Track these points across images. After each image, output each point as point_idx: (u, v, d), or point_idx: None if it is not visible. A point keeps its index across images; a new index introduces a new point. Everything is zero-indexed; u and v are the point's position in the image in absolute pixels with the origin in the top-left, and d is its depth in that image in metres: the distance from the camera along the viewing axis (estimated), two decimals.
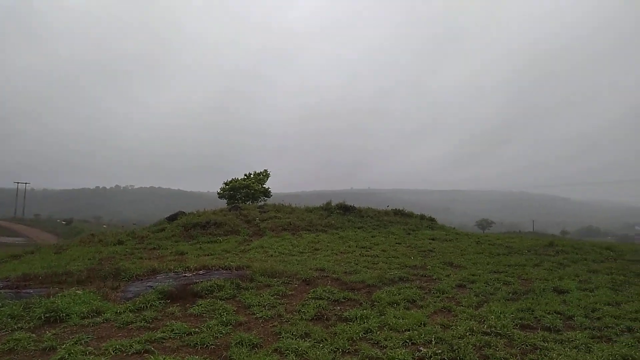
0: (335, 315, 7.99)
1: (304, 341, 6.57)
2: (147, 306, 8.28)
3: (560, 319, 7.58)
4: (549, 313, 7.86)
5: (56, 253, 16.51)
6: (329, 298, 9.05)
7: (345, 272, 11.45)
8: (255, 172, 35.47)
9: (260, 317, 7.85)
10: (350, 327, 7.12)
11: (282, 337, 6.76)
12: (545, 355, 5.87)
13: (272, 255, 14.23)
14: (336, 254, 14.63)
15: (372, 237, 19.03)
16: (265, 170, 35.73)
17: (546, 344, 6.31)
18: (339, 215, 23.78)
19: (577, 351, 6.04)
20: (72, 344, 6.34)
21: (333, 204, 25.73)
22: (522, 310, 8.03)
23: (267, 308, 8.38)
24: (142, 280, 10.39)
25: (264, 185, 34.65)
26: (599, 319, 7.56)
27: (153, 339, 6.60)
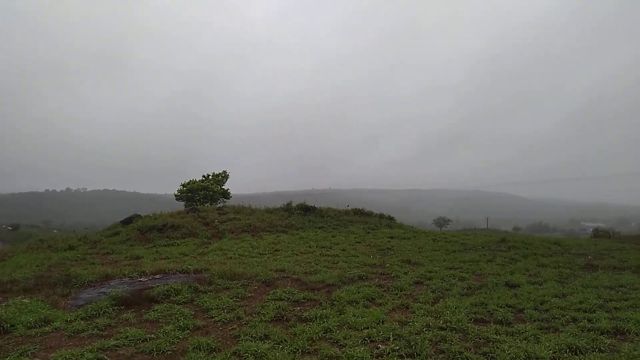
0: (295, 315, 7.98)
1: (264, 343, 6.52)
2: (99, 313, 7.99)
3: (511, 312, 7.89)
4: (501, 307, 8.16)
5: (0, 260, 15.62)
6: (289, 299, 9.03)
7: (306, 273, 11.46)
8: (214, 173, 34.87)
9: (218, 321, 7.72)
10: (310, 327, 7.13)
11: (241, 340, 6.68)
12: (497, 348, 6.08)
13: (231, 258, 14.05)
14: (297, 255, 14.62)
15: (333, 236, 19.15)
16: (224, 172, 35.20)
17: (498, 337, 6.54)
18: (300, 216, 23.77)
19: (527, 342, 6.29)
20: (17, 356, 6.03)
21: (294, 204, 25.68)
22: (476, 305, 8.30)
23: (225, 311, 8.27)
24: (94, 286, 10.00)
25: (223, 187, 34.11)
26: (547, 310, 7.91)
27: (106, 347, 6.37)
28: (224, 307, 8.49)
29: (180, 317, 7.78)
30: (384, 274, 11.57)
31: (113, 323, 7.57)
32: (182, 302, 8.79)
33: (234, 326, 7.44)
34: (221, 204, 30.51)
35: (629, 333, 6.55)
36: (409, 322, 7.37)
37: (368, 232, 21.00)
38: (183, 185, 33.37)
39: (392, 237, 19.37)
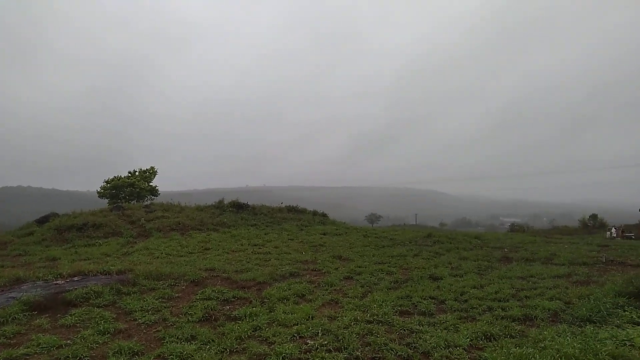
0: (224, 315, 7.84)
1: (190, 344, 6.33)
2: (8, 320, 7.34)
3: (434, 304, 8.28)
4: (424, 299, 8.54)
5: None
6: (218, 298, 8.86)
7: (237, 271, 11.30)
8: (141, 169, 33.32)
9: (142, 323, 7.39)
10: (239, 326, 7.03)
11: (166, 342, 6.44)
12: (420, 338, 6.35)
13: (158, 257, 13.53)
14: (228, 253, 14.38)
15: (266, 234, 19.05)
16: (152, 168, 33.76)
17: (421, 328, 6.85)
18: (232, 213, 23.39)
19: (447, 332, 6.64)
20: None
21: (226, 202, 25.22)
22: (401, 298, 8.63)
23: (150, 313, 7.93)
24: (3, 291, 9.19)
25: (151, 184, 32.73)
26: (466, 301, 8.40)
27: (14, 356, 5.87)
28: (149, 308, 8.15)
29: (100, 320, 7.36)
30: (315, 270, 11.69)
31: (23, 330, 6.99)
32: (103, 305, 8.32)
33: (159, 328, 7.16)
34: (149, 202, 29.28)
35: (537, 319, 7.12)
36: (338, 316, 7.50)
37: (301, 229, 21.10)
38: (107, 182, 31.61)
39: (324, 234, 19.62)
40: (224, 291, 9.26)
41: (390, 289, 9.58)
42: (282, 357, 5.74)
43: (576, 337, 5.88)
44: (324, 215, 26.79)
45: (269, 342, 6.40)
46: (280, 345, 6.16)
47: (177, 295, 9.17)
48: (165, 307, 8.28)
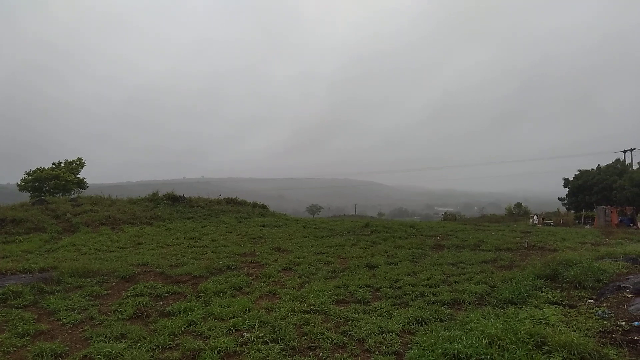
0: (157, 311, 7.60)
1: (119, 343, 6.07)
2: None
3: (369, 292, 8.49)
4: (360, 287, 8.72)
5: None
6: (151, 294, 8.56)
7: (171, 265, 10.95)
8: (67, 160, 31.28)
9: (67, 323, 6.99)
10: (172, 322, 6.83)
11: (93, 342, 6.13)
12: (355, 325, 6.50)
13: (86, 253, 12.79)
14: (162, 247, 13.88)
15: (203, 227, 18.60)
16: (80, 159, 31.79)
17: (357, 315, 7.00)
18: (167, 206, 22.60)
19: (381, 318, 6.83)
20: None
21: (161, 194, 24.31)
22: (339, 287, 8.76)
23: (76, 312, 7.52)
24: None
25: (78, 176, 30.83)
26: (400, 288, 8.67)
27: None
28: (75, 307, 7.72)
29: (19, 322, 6.86)
30: (253, 262, 11.58)
31: None
32: (23, 305, 7.77)
33: (86, 327, 6.81)
34: (75, 195, 27.59)
35: (464, 303, 7.50)
36: (276, 308, 7.49)
37: (240, 222, 20.82)
38: (28, 174, 29.40)
39: (264, 226, 19.49)
40: (157, 286, 8.96)
41: (328, 278, 9.70)
42: (217, 351, 5.65)
43: (499, 318, 6.25)
44: (263, 207, 26.59)
45: (204, 337, 6.28)
46: (215, 339, 6.05)
47: (106, 292, 8.75)
48: (92, 306, 7.89)
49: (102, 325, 6.87)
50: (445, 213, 72.54)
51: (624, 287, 7.47)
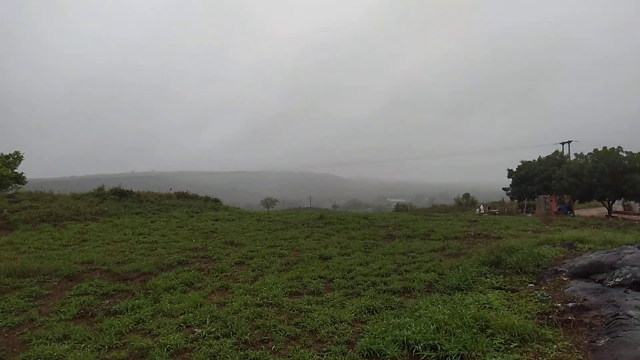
0: (103, 310, 7.30)
1: (62, 344, 5.79)
2: None
3: (322, 283, 8.55)
4: (314, 279, 8.76)
5: None
6: (96, 292, 8.23)
7: (118, 263, 10.56)
8: (2, 154, 29.34)
9: (3, 326, 6.58)
10: (119, 321, 6.59)
11: (33, 345, 5.80)
12: (308, 317, 6.52)
13: (25, 252, 12.08)
14: (108, 244, 13.33)
15: (152, 222, 18.05)
16: (17, 152, 29.87)
17: (310, 307, 7.02)
18: (114, 202, 21.75)
19: (334, 309, 6.90)
20: None
21: (107, 189, 23.36)
22: (292, 279, 8.76)
23: (14, 314, 7.10)
24: None
25: (16, 170, 29.02)
26: (352, 278, 8.79)
27: None
28: (12, 309, 7.28)
29: None
30: (205, 257, 11.37)
31: None
32: None
33: (25, 330, 6.44)
34: (13, 191, 25.97)
35: (414, 290, 7.71)
36: (228, 302, 7.39)
37: (192, 216, 20.38)
38: None
39: (216, 220, 19.17)
40: (103, 285, 8.61)
41: (281, 271, 9.68)
42: (167, 349, 5.50)
43: (446, 304, 6.48)
44: (216, 201, 26.16)
45: (153, 335, 6.10)
46: (165, 336, 5.89)
47: (47, 292, 8.32)
48: (32, 307, 7.47)
49: (43, 327, 6.52)
50: (397, 204, 74.21)
51: (560, 271, 7.93)
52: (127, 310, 7.14)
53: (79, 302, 7.53)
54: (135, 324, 6.50)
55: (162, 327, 6.31)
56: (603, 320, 5.51)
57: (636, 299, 5.98)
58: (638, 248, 8.59)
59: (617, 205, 40.27)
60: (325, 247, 12.20)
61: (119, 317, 6.80)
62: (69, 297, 7.94)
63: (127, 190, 23.34)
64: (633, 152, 33.55)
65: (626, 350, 4.44)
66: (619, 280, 6.71)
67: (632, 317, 5.26)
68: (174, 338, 5.78)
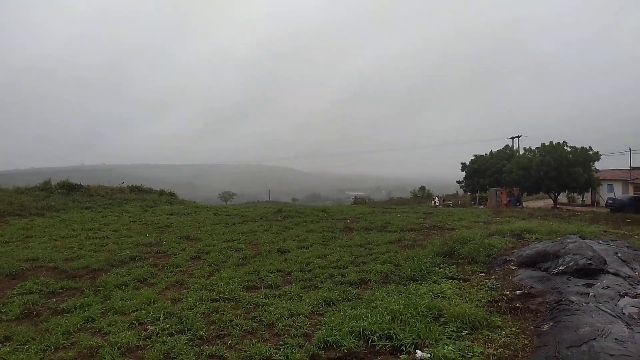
0: (49, 309, 6.96)
1: (3, 346, 5.49)
2: None
3: (280, 276, 8.52)
4: (272, 272, 8.72)
5: None
6: (42, 291, 7.84)
7: (66, 259, 10.10)
8: None
9: None
10: (67, 320, 6.30)
11: None
12: (265, 310, 6.48)
13: None
14: (56, 240, 12.70)
15: (103, 217, 17.37)
16: None
17: (267, 300, 6.98)
18: (62, 196, 20.76)
19: (291, 302, 6.89)
20: None
21: (54, 182, 22.25)
22: (249, 273, 8.68)
23: None
24: None
25: None
26: (310, 271, 8.81)
27: None
28: None
29: None
30: (160, 252, 11.06)
31: None
32: None
33: None
34: None
35: (371, 282, 7.83)
36: (183, 298, 7.23)
37: (145, 210, 19.76)
38: None
39: (172, 214, 18.71)
40: (50, 282, 8.22)
41: (238, 265, 9.57)
42: (118, 347, 5.31)
43: (402, 295, 6.62)
44: (171, 194, 25.50)
45: (103, 333, 5.87)
46: (116, 334, 5.69)
47: None
48: None
49: None
50: (355, 197, 75.03)
51: (509, 260, 8.28)
52: (75, 308, 6.85)
53: (22, 302, 7.15)
54: (84, 323, 6.24)
55: (113, 325, 6.09)
56: (547, 306, 5.79)
57: (577, 285, 6.33)
58: (580, 237, 9.11)
59: (562, 197, 42.50)
60: (284, 241, 12.16)
61: (66, 316, 6.51)
62: (11, 297, 7.52)
63: (75, 184, 22.32)
64: (577, 146, 35.48)
65: (567, 334, 4.69)
66: (562, 268, 7.07)
67: (573, 302, 5.57)
68: (125, 336, 5.59)
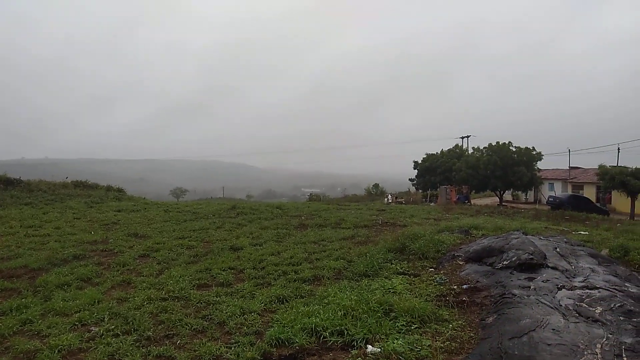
0: None
1: None
2: None
3: (233, 274, 8.39)
4: (224, 270, 8.56)
5: None
6: None
7: (2, 259, 9.51)
8: None
9: None
10: (1, 322, 5.93)
11: None
12: (217, 309, 6.36)
13: None
14: None
15: (44, 213, 16.46)
16: None
17: (218, 298, 6.85)
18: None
19: (243, 299, 6.80)
20: None
21: None
22: (200, 271, 8.49)
23: None
24: None
25: None
26: (263, 268, 8.73)
27: None
28: None
29: None
30: (106, 250, 10.61)
31: None
32: None
33: None
34: None
35: (324, 278, 7.86)
36: (130, 297, 6.97)
37: (91, 207, 18.93)
38: None
39: (119, 211, 18.00)
40: None
41: (189, 263, 9.34)
42: (58, 350, 5.06)
43: (354, 291, 6.69)
44: (119, 190, 24.56)
45: (42, 336, 5.57)
46: (56, 337, 5.41)
47: None
48: None
49: None
50: (311, 194, 75.24)
51: (457, 255, 8.56)
52: (11, 310, 6.44)
53: None
54: (21, 325, 5.89)
55: (54, 327, 5.80)
56: (492, 299, 6.04)
57: (520, 279, 6.64)
58: (523, 234, 9.55)
59: (507, 195, 44.44)
60: (237, 238, 11.98)
61: (1, 319, 6.12)
62: None
63: (14, 179, 21.01)
64: (521, 146, 37.22)
65: (510, 326, 4.91)
66: (507, 263, 7.39)
67: (516, 295, 5.83)
68: (66, 338, 5.33)
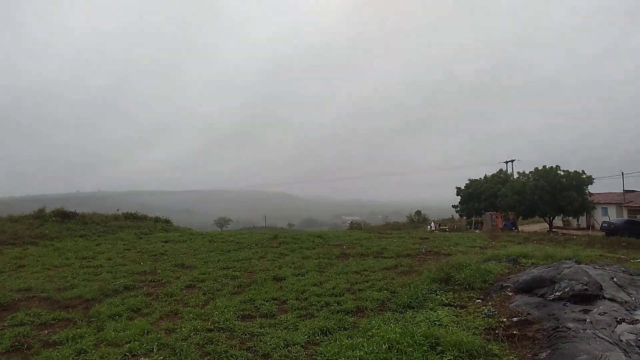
0: (40, 341, 6.84)
1: None
2: None
3: (276, 305, 8.43)
4: (267, 301, 8.62)
5: None
6: (33, 322, 7.70)
7: (59, 289, 9.97)
8: None
9: None
10: (58, 352, 6.20)
11: None
12: (261, 341, 6.40)
13: None
14: (48, 269, 12.55)
15: (97, 245, 17.22)
16: None
17: (262, 330, 6.90)
18: (56, 224, 20.61)
19: (287, 331, 6.81)
20: None
21: (49, 210, 22.12)
22: (244, 302, 8.58)
23: None
24: None
25: None
26: (306, 299, 8.72)
27: None
28: None
29: None
30: (154, 281, 10.95)
31: None
32: None
33: None
34: None
35: (367, 309, 7.76)
36: (177, 328, 7.13)
37: (140, 238, 19.63)
38: None
39: (166, 241, 18.58)
40: (42, 313, 8.08)
41: (233, 293, 9.47)
42: None
43: (398, 323, 6.56)
44: (167, 221, 25.37)
45: None
46: None
47: None
48: None
49: None
50: (351, 222, 74.71)
51: (506, 286, 8.25)
52: (67, 340, 6.73)
53: (13, 334, 7.02)
54: (76, 355, 6.13)
55: (106, 357, 6.00)
56: (545, 333, 5.76)
57: (574, 311, 6.31)
58: (575, 262, 9.11)
59: (557, 221, 42.54)
60: (279, 268, 12.07)
61: (58, 349, 6.40)
62: (2, 329, 7.37)
63: (70, 212, 22.20)
64: (570, 170, 35.77)
65: None
66: (559, 294, 7.06)
67: (570, 329, 5.54)
68: None
